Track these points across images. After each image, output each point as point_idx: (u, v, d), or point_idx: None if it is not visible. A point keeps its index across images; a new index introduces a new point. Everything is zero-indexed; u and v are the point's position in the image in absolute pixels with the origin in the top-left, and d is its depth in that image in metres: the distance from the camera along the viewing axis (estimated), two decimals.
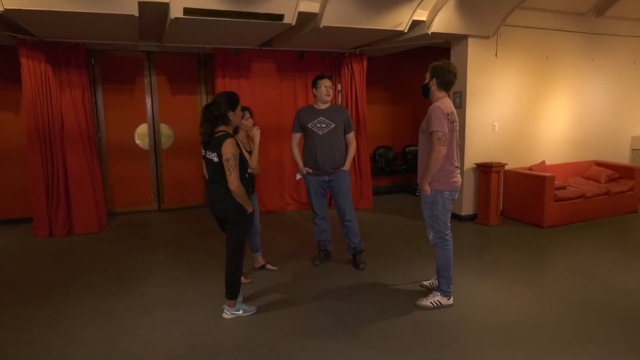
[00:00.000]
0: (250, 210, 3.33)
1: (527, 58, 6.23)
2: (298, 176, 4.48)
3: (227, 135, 3.19)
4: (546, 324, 3.33)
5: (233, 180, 3.14)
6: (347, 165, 4.36)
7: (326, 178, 4.34)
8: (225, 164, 3.13)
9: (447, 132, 3.33)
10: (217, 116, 3.20)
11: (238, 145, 3.24)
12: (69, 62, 5.62)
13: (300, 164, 4.41)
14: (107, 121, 6.54)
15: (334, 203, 4.49)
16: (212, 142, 3.21)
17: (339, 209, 4.41)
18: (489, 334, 3.21)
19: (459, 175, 3.52)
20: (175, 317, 3.47)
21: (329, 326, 3.32)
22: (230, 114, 3.23)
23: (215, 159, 3.19)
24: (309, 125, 4.29)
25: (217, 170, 3.22)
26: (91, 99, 6.02)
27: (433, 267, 3.85)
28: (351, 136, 4.41)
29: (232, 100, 3.25)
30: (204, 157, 3.31)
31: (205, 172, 3.50)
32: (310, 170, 4.33)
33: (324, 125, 4.27)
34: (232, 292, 3.42)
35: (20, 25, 4.70)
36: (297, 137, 4.45)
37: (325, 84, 4.25)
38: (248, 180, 3.98)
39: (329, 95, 4.27)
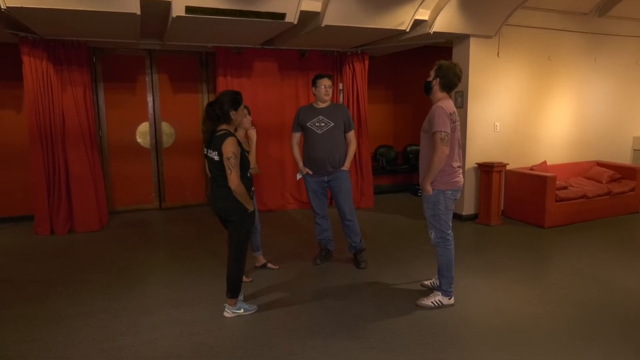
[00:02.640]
0: (251, 209, 3.32)
1: (529, 58, 6.22)
2: (298, 176, 4.46)
3: (229, 134, 3.18)
4: (547, 324, 3.33)
5: (233, 179, 3.14)
6: (346, 165, 4.33)
7: (325, 178, 4.32)
8: (225, 162, 3.12)
9: (449, 132, 3.33)
10: (219, 115, 3.19)
11: (240, 144, 3.24)
12: (71, 60, 5.62)
13: (300, 164, 4.39)
14: (109, 119, 6.54)
15: (334, 202, 4.48)
16: (214, 140, 3.20)
17: (339, 209, 4.39)
18: (489, 333, 3.21)
19: (461, 175, 3.51)
20: (176, 316, 3.47)
21: (330, 325, 3.32)
22: (233, 113, 3.23)
23: (216, 158, 3.18)
24: (308, 124, 4.27)
25: (218, 169, 3.21)
26: (92, 97, 6.02)
27: (434, 267, 3.85)
28: (351, 135, 4.37)
29: (235, 99, 3.25)
30: (206, 155, 3.31)
31: (208, 170, 3.50)
32: (311, 172, 4.32)
33: (322, 124, 4.24)
34: (233, 290, 3.42)
35: (22, 23, 4.70)
36: (296, 136, 4.44)
37: (324, 84, 4.22)
38: (247, 180, 3.99)
39: (328, 94, 4.25)
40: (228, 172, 3.13)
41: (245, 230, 3.35)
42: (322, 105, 4.29)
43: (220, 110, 3.19)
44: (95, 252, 5.02)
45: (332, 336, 3.17)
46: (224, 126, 3.23)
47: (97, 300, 3.76)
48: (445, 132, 3.30)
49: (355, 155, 4.54)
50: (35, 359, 2.93)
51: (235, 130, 4.03)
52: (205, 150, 3.31)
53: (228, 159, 3.11)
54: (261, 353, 2.97)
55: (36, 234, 5.66)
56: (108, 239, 5.50)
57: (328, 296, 3.84)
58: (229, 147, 3.12)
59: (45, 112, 5.48)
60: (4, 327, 3.32)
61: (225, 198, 3.25)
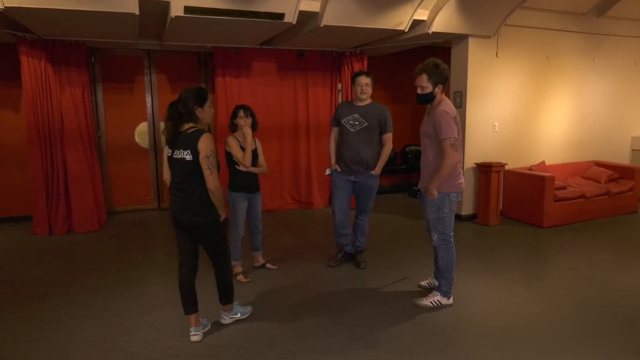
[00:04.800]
0: (224, 216, 3.05)
1: (528, 58, 6.23)
2: (327, 172, 4.39)
3: (203, 131, 2.91)
4: (546, 324, 3.33)
5: (213, 180, 2.87)
6: (377, 169, 4.21)
7: (352, 178, 4.25)
8: (203, 161, 2.84)
9: (457, 136, 3.30)
10: (182, 113, 2.88)
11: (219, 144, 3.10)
12: (69, 61, 5.61)
13: (332, 160, 4.32)
14: (107, 120, 6.53)
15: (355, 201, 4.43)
16: (183, 138, 2.88)
17: (358, 206, 4.38)
18: (488, 334, 3.21)
19: (463, 177, 3.52)
20: (175, 316, 3.46)
21: (328, 326, 3.32)
22: (198, 111, 2.92)
23: (188, 157, 2.86)
24: (343, 120, 4.21)
25: (189, 172, 2.89)
26: (91, 97, 6.01)
27: (433, 267, 3.85)
28: (387, 137, 4.22)
29: (199, 95, 2.94)
30: (171, 157, 2.96)
31: (165, 175, 3.16)
32: (339, 169, 4.26)
33: (357, 122, 4.16)
34: (227, 297, 3.30)
35: (20, 23, 4.69)
36: (334, 131, 4.35)
37: (361, 81, 4.11)
38: (254, 178, 3.98)
39: (364, 92, 4.13)
40: (207, 172, 2.85)
41: (223, 237, 3.12)
42: (361, 103, 4.21)
43: (184, 109, 2.88)
44: (94, 253, 5.02)
45: (331, 336, 3.16)
46: (191, 124, 2.93)
47: (96, 300, 3.76)
48: (454, 137, 3.27)
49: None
50: (34, 359, 2.92)
51: (235, 129, 4.05)
52: (169, 151, 2.97)
53: (207, 157, 2.84)
54: (260, 353, 2.97)
55: (34, 234, 5.64)
56: (107, 239, 5.50)
57: (327, 296, 3.84)
58: (207, 144, 2.84)
59: (43, 112, 5.46)
60: (3, 327, 3.32)
61: (196, 209, 2.95)
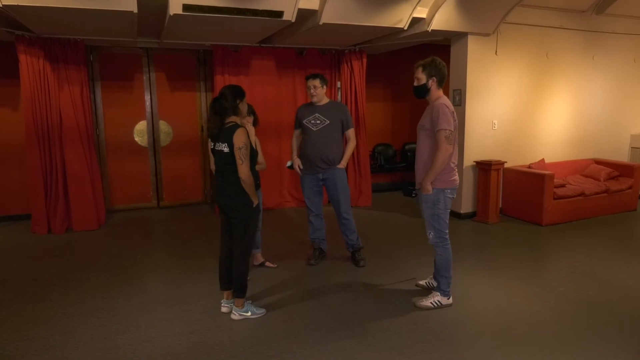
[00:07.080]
0: (256, 202, 3.32)
1: (527, 56, 6.22)
2: (288, 164, 4.45)
3: (238, 125, 3.21)
4: (545, 321, 3.33)
5: (244, 169, 3.16)
6: (342, 163, 4.31)
7: (320, 176, 4.32)
8: (236, 153, 3.13)
9: (453, 130, 3.31)
10: (227, 107, 3.21)
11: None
12: (68, 59, 5.60)
13: (294, 155, 4.41)
14: (106, 118, 6.52)
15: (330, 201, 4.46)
16: (223, 133, 3.21)
17: (335, 207, 4.39)
18: (487, 332, 3.21)
19: (457, 174, 3.51)
20: (174, 314, 3.46)
21: (328, 324, 3.32)
22: (240, 104, 3.27)
23: (226, 149, 3.18)
24: (304, 121, 4.28)
25: (227, 162, 3.21)
26: (90, 95, 5.99)
27: (432, 266, 3.85)
28: (350, 133, 4.36)
29: (239, 91, 3.30)
30: (213, 149, 3.31)
31: (212, 166, 3.50)
32: (301, 166, 4.32)
33: (318, 121, 4.24)
34: (241, 289, 3.38)
35: (18, 21, 4.68)
36: (296, 133, 4.44)
37: (309, 84, 4.23)
38: (255, 174, 4.01)
39: (313, 95, 4.23)
40: (239, 162, 3.15)
41: (253, 227, 3.36)
42: (320, 103, 4.28)
43: (227, 103, 3.21)
44: (93, 251, 5.01)
45: (330, 334, 3.17)
46: (232, 118, 3.24)
47: (95, 299, 3.76)
48: (449, 130, 3.27)
49: (353, 153, 4.50)
50: (33, 358, 2.92)
51: None
52: (212, 144, 3.31)
53: (239, 149, 3.13)
54: (260, 351, 2.97)
55: (33, 233, 5.64)
56: (106, 238, 5.49)
57: (326, 294, 3.84)
58: (240, 138, 3.14)
59: (42, 110, 5.46)
60: (3, 325, 3.32)
61: (230, 194, 3.26)
